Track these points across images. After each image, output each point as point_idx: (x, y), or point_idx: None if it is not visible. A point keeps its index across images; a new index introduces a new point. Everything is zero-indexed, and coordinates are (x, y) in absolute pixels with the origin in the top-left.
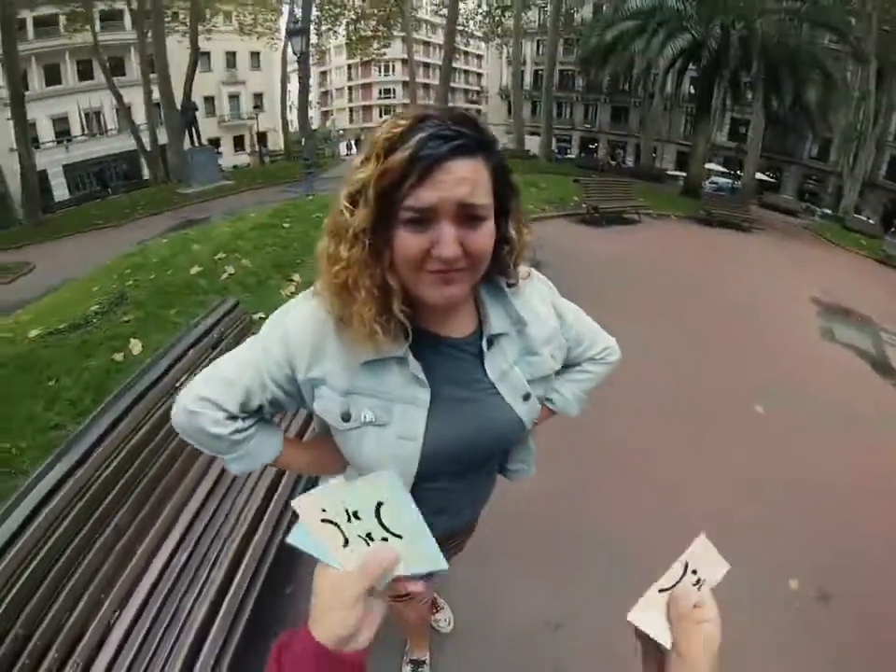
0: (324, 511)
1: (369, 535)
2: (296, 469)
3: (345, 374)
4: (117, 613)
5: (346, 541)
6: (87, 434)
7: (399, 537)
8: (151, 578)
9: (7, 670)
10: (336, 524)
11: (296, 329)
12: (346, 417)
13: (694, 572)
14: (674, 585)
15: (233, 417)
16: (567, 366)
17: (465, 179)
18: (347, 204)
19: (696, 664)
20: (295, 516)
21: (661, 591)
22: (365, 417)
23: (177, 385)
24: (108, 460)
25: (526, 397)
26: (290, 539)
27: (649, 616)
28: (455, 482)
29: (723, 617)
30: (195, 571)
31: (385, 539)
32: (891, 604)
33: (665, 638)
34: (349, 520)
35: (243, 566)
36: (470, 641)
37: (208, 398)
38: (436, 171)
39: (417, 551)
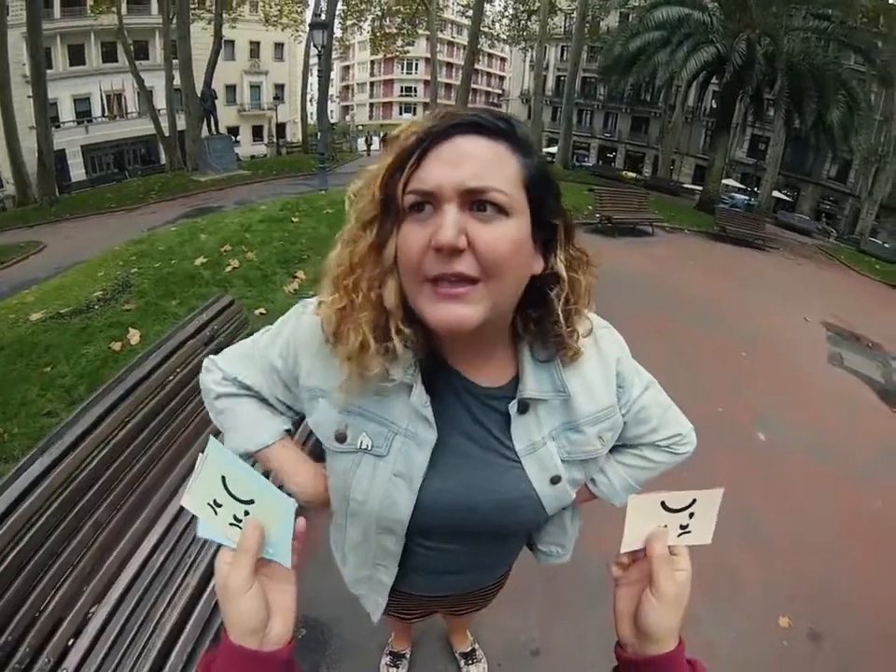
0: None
1: (235, 517)
2: (283, 476)
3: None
4: (94, 608)
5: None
6: (73, 426)
7: (251, 502)
8: (128, 577)
9: None
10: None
11: (308, 327)
12: (342, 438)
13: (692, 515)
14: (674, 511)
15: (235, 382)
16: (623, 445)
17: (473, 156)
18: (352, 195)
19: (673, 607)
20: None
21: (662, 504)
22: (362, 443)
23: (168, 380)
24: (93, 454)
25: (555, 480)
26: (199, 533)
27: (642, 509)
28: (450, 543)
29: (711, 650)
30: (171, 574)
31: (247, 514)
32: (881, 646)
33: (640, 538)
34: (215, 512)
35: None
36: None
37: (216, 360)
38: (440, 147)
39: (269, 507)
